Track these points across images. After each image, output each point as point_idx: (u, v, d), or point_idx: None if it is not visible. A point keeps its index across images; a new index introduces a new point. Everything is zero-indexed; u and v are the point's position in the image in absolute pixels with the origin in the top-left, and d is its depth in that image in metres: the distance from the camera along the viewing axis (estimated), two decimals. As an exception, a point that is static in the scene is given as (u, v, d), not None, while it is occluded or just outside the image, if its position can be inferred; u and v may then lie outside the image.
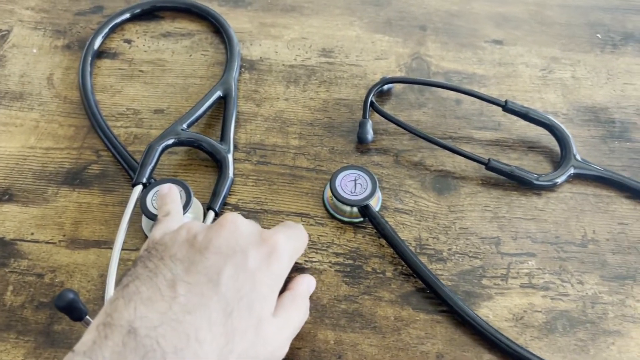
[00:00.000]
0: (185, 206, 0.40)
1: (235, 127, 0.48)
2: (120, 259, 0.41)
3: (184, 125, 0.46)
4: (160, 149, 0.44)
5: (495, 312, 0.39)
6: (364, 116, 0.48)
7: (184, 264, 0.30)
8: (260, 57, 0.54)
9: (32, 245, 0.42)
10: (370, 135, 0.47)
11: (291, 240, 0.35)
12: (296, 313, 0.35)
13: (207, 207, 0.43)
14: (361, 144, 0.48)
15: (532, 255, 0.42)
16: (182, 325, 0.28)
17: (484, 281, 0.41)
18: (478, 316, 0.38)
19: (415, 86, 0.51)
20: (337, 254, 0.42)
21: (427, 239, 0.43)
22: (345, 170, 0.43)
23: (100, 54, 0.54)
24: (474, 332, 0.38)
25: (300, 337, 0.37)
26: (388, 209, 0.44)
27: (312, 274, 0.40)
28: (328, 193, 0.44)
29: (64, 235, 0.42)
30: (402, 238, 0.42)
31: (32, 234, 0.42)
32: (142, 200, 0.41)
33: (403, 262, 0.41)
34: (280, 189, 0.45)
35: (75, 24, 0.56)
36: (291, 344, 0.35)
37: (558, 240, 0.43)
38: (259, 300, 0.31)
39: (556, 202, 0.45)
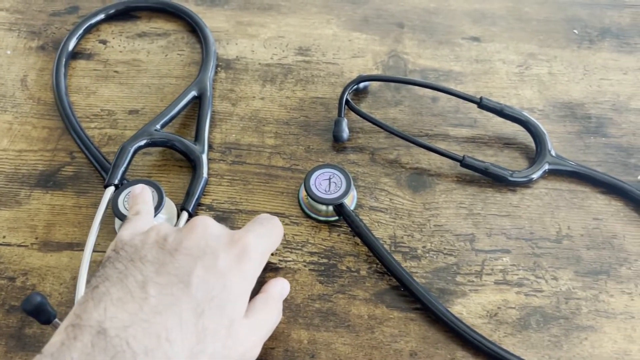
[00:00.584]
0: (157, 207, 0.40)
1: (211, 126, 0.48)
2: (93, 261, 0.40)
3: (158, 126, 0.46)
4: (132, 150, 0.43)
5: (469, 309, 0.39)
6: (340, 115, 0.48)
7: (154, 265, 0.30)
8: (237, 56, 0.54)
9: (4, 249, 0.41)
10: (345, 133, 0.47)
11: (262, 239, 0.35)
12: (269, 315, 0.35)
13: (181, 208, 0.42)
14: (337, 143, 0.48)
15: (507, 252, 0.42)
16: (153, 325, 0.28)
17: (458, 278, 0.41)
18: (451, 313, 0.38)
19: (392, 84, 0.51)
20: (311, 253, 0.42)
21: (402, 237, 0.43)
22: (319, 169, 0.43)
23: (75, 55, 0.53)
24: (448, 330, 0.38)
25: (273, 337, 0.37)
26: (363, 207, 0.44)
27: (286, 274, 0.40)
28: (303, 192, 0.44)
29: (36, 238, 0.42)
30: (376, 236, 0.41)
31: (4, 237, 0.42)
32: (113, 201, 0.40)
33: (377, 261, 0.41)
34: (255, 188, 0.45)
35: (50, 25, 0.56)
36: (264, 344, 0.35)
37: (533, 237, 0.43)
38: (230, 301, 0.31)
39: (531, 198, 0.45)
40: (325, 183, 0.42)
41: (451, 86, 0.51)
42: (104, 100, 0.50)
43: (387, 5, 0.58)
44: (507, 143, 0.48)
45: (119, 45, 0.54)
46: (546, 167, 0.45)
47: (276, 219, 0.38)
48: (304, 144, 0.48)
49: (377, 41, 0.55)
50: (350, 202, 0.44)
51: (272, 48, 0.54)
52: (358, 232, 0.41)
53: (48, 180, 0.45)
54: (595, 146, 0.48)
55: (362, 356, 0.37)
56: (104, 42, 0.55)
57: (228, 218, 0.43)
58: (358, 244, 0.42)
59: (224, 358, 0.30)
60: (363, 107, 0.50)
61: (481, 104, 0.47)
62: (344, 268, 0.41)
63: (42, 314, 0.34)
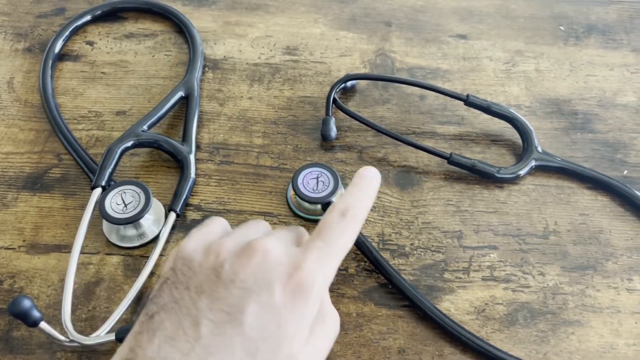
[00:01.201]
0: (144, 208, 0.40)
1: (198, 127, 0.48)
2: (80, 263, 0.41)
3: (145, 127, 0.45)
4: (119, 151, 0.43)
5: (457, 305, 0.40)
6: (327, 113, 0.48)
7: (209, 298, 0.29)
8: (224, 56, 0.54)
9: (-9, 252, 0.41)
10: (333, 132, 0.47)
11: (326, 264, 0.31)
12: (328, 340, 0.32)
13: (169, 209, 0.42)
14: (325, 142, 0.48)
15: (494, 248, 0.42)
16: None
17: (446, 275, 0.41)
18: (439, 310, 0.38)
19: (379, 82, 0.51)
20: (300, 252, 0.42)
21: (390, 235, 0.43)
22: (307, 168, 0.43)
23: (62, 57, 0.53)
24: (436, 326, 0.38)
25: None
26: (351, 205, 0.44)
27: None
28: (291, 191, 0.44)
29: (23, 241, 0.42)
30: (364, 234, 0.42)
31: (-9, 240, 0.42)
32: (100, 203, 0.40)
33: (366, 258, 0.41)
34: (244, 188, 0.45)
35: (36, 27, 0.56)
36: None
37: (520, 233, 0.43)
38: (286, 339, 0.29)
39: (518, 195, 0.45)
40: (313, 182, 0.42)
41: (438, 84, 0.51)
42: (91, 101, 0.50)
43: (374, 4, 0.58)
44: (494, 140, 0.48)
45: (106, 47, 0.54)
46: (533, 163, 0.45)
47: (345, 224, 0.32)
48: (292, 143, 0.48)
49: (365, 40, 0.55)
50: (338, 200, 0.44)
51: (260, 48, 0.54)
52: (346, 230, 0.41)
53: (35, 183, 0.45)
54: (581, 142, 0.48)
55: (351, 354, 0.37)
56: (91, 43, 0.54)
57: (216, 218, 0.43)
58: (346, 243, 0.42)
59: None
60: (351, 105, 0.50)
61: (468, 102, 0.47)
62: (332, 266, 0.41)
63: (29, 317, 0.34)
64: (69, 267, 0.38)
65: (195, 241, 0.32)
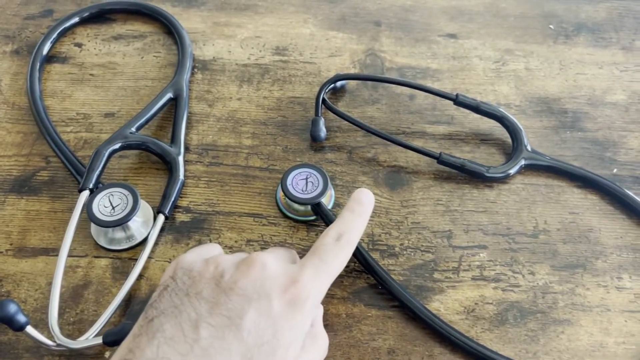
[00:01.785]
0: (132, 211, 0.40)
1: (187, 128, 0.48)
2: (68, 266, 0.40)
3: (133, 129, 0.45)
4: (107, 153, 0.43)
5: (447, 305, 0.39)
6: (316, 114, 0.48)
7: (209, 304, 0.30)
8: (213, 57, 0.53)
9: (-22, 256, 0.41)
10: (323, 132, 0.47)
11: (320, 280, 0.33)
12: (315, 353, 0.34)
13: (157, 211, 0.42)
14: (315, 142, 0.48)
15: (484, 248, 0.42)
16: None
17: (436, 275, 0.41)
18: (428, 310, 0.38)
19: (369, 82, 0.51)
20: (289, 253, 0.42)
21: (380, 235, 0.43)
22: (296, 169, 0.43)
23: (50, 59, 0.53)
24: (425, 327, 0.38)
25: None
26: (341, 206, 0.44)
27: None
28: (280, 192, 0.44)
29: (11, 244, 0.42)
30: (354, 235, 0.41)
31: (-22, 244, 0.42)
32: (88, 206, 0.40)
33: (355, 259, 0.41)
34: (233, 189, 0.45)
35: (24, 29, 0.55)
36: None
37: (509, 232, 0.43)
38: (280, 348, 0.30)
39: (508, 194, 0.45)
40: (302, 183, 0.42)
41: (428, 84, 0.51)
42: (79, 103, 0.50)
43: (364, 4, 0.58)
44: (484, 139, 0.48)
45: (95, 48, 0.54)
46: (522, 162, 0.45)
47: (341, 244, 0.35)
48: (282, 144, 0.48)
49: (354, 40, 0.55)
50: (327, 201, 0.44)
51: (249, 48, 0.54)
52: (335, 231, 0.41)
53: (23, 186, 0.45)
54: (571, 141, 0.48)
55: (340, 355, 0.37)
56: (79, 45, 0.54)
57: (205, 220, 0.43)
58: (336, 243, 0.42)
59: None
60: (340, 106, 0.50)
61: (457, 101, 0.47)
62: (322, 267, 0.41)
63: (14, 322, 0.33)
64: (56, 270, 0.38)
65: (195, 254, 0.34)
